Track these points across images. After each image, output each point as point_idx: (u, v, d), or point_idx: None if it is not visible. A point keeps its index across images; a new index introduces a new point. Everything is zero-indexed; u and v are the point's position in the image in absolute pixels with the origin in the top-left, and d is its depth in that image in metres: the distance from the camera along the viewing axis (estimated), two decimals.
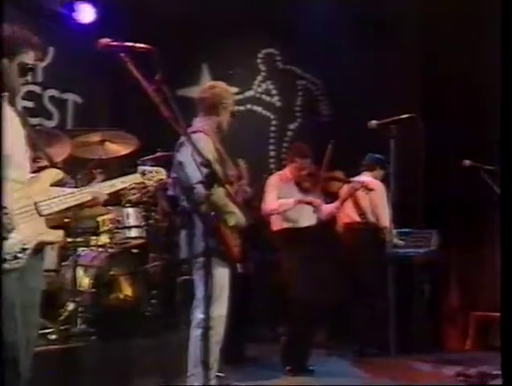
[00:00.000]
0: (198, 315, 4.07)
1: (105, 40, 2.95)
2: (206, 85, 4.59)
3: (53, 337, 4.76)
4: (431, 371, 5.62)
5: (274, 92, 7.91)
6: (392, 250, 5.00)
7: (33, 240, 3.04)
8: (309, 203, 5.62)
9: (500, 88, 3.50)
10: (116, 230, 5.43)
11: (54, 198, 3.16)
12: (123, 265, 5.28)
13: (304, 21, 7.16)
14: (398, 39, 7.20)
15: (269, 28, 7.39)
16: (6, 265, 2.92)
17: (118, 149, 5.48)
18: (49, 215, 3.12)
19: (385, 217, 5.96)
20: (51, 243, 3.30)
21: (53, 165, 3.35)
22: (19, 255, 2.97)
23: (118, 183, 3.44)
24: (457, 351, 6.67)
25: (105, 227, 5.44)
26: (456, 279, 7.25)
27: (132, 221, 5.44)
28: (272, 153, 7.82)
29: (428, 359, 5.88)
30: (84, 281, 5.12)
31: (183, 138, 4.11)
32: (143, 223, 5.50)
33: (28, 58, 3.11)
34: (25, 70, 3.12)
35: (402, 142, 4.19)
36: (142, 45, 2.94)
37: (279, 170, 6.16)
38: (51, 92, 6.91)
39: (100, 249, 5.36)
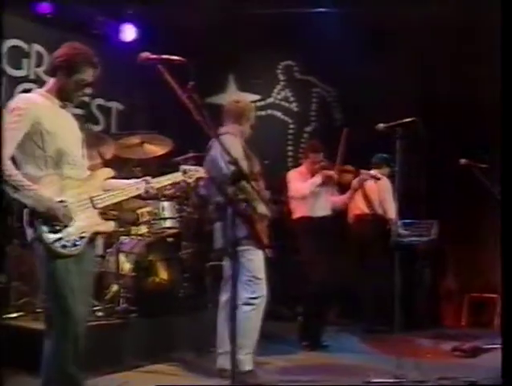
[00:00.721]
0: (245, 295, 4.11)
1: (144, 54, 2.96)
2: (232, 99, 4.66)
3: (100, 314, 4.80)
4: (431, 346, 5.57)
5: (291, 99, 7.87)
6: (397, 239, 4.96)
7: (89, 230, 3.06)
8: (330, 177, 5.51)
9: (499, 91, 3.45)
10: (153, 221, 5.43)
11: (107, 193, 3.19)
12: (159, 252, 5.29)
13: (318, 36, 7.12)
14: (402, 49, 7.13)
15: (287, 43, 7.35)
16: (66, 251, 2.96)
17: (156, 150, 5.47)
18: (103, 208, 3.15)
19: (391, 210, 5.93)
20: (105, 233, 3.34)
21: (105, 163, 3.38)
22: (77, 243, 3.00)
23: (164, 180, 3.47)
24: (453, 327, 6.61)
25: (144, 219, 5.45)
26: (453, 264, 7.19)
27: (167, 213, 5.43)
28: (290, 154, 7.77)
29: (428, 335, 5.82)
30: (126, 265, 5.15)
31: (212, 141, 4.11)
32: (177, 215, 5.49)
33: (86, 75, 3.11)
34: (82, 86, 3.13)
35: (406, 143, 4.16)
36: (177, 57, 2.94)
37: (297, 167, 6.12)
38: (99, 100, 6.96)
39: (139, 238, 5.37)
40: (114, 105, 7.13)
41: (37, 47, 6.47)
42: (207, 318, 5.19)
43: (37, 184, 2.94)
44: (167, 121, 6.84)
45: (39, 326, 4.41)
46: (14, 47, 6.25)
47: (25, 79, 6.35)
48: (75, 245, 2.99)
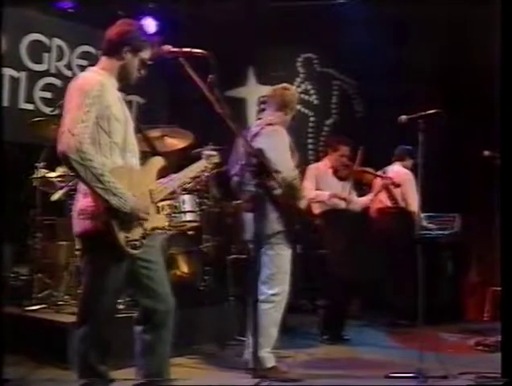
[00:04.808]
0: (266, 291, 4.06)
1: (167, 47, 2.96)
2: (279, 86, 4.45)
3: (121, 307, 4.81)
4: (454, 340, 5.52)
5: (312, 91, 7.84)
6: (422, 232, 4.94)
7: (149, 226, 2.94)
8: (342, 199, 5.47)
9: None
10: (173, 214, 5.42)
11: (161, 184, 3.10)
12: (180, 245, 5.31)
13: (338, 28, 7.09)
14: (424, 40, 7.06)
15: (307, 35, 7.32)
16: (135, 251, 2.86)
17: (176, 143, 5.46)
18: (159, 201, 3.05)
19: (414, 202, 5.89)
20: (160, 229, 3.10)
21: (156, 152, 3.31)
22: (143, 241, 2.90)
23: (196, 168, 3.42)
24: (476, 321, 6.53)
25: (164, 212, 5.44)
26: (475, 258, 7.12)
27: (187, 207, 5.41)
28: (310, 146, 7.76)
29: (451, 329, 5.76)
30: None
31: (257, 128, 4.07)
32: (197, 209, 5.49)
33: (147, 54, 3.05)
34: (143, 65, 3.06)
35: (429, 135, 4.12)
36: (199, 50, 2.93)
37: (317, 161, 6.10)
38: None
39: (160, 231, 5.38)
40: (134, 99, 7.15)
41: (58, 42, 6.53)
42: (228, 311, 5.22)
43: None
44: (186, 114, 6.86)
45: (61, 318, 4.50)
46: (35, 41, 6.31)
47: (46, 73, 6.41)
48: (142, 244, 2.88)
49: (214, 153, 3.59)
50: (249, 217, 4.19)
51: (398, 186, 5.68)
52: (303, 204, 4.20)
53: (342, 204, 5.55)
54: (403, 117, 4.28)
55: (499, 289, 6.68)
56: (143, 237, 2.89)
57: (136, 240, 2.85)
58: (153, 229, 2.98)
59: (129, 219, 2.81)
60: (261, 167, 2.84)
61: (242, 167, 4.12)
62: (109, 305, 3.00)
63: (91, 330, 2.96)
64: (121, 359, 4.15)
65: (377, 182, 5.88)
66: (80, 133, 2.74)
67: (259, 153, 2.91)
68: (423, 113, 4.18)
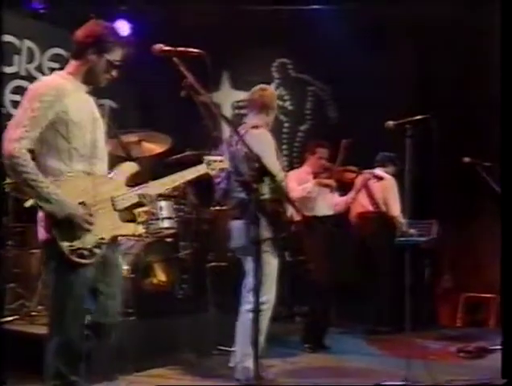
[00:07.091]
0: (253, 299, 3.92)
1: (158, 46, 2.84)
2: (257, 88, 4.37)
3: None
4: (436, 347, 5.46)
5: (286, 97, 7.78)
6: (405, 238, 4.90)
7: (108, 235, 2.83)
8: (326, 185, 5.38)
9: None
10: (151, 221, 5.29)
11: (127, 192, 2.96)
12: (157, 253, 5.18)
13: (313, 33, 7.06)
14: (399, 45, 7.09)
15: (282, 40, 7.28)
16: (83, 260, 2.75)
17: (154, 148, 5.33)
18: (123, 209, 2.92)
19: (395, 208, 5.91)
20: (126, 236, 3.04)
21: (131, 157, 3.20)
22: (95, 250, 2.78)
23: (188, 174, 3.26)
24: (448, 327, 6.54)
25: (141, 219, 5.27)
26: (449, 264, 7.15)
27: (165, 213, 5.29)
28: (284, 152, 7.67)
29: (427, 336, 5.70)
30: (123, 267, 5.02)
31: (242, 133, 3.96)
32: (175, 215, 5.37)
33: (117, 55, 2.93)
34: (111, 67, 2.94)
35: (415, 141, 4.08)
36: (194, 50, 2.83)
37: (291, 167, 6.03)
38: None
39: (136, 238, 5.23)
40: (107, 103, 6.98)
41: (28, 43, 6.35)
42: (207, 320, 5.10)
43: (59, 180, 2.74)
44: (161, 118, 6.74)
45: (35, 330, 4.33)
46: (5, 42, 6.12)
47: (16, 75, 6.23)
48: (92, 253, 2.77)
49: (219, 158, 3.45)
50: (235, 224, 4.10)
51: (380, 178, 5.60)
52: (289, 211, 4.08)
53: (322, 211, 5.48)
54: (391, 123, 4.18)
55: (472, 294, 6.79)
56: (97, 246, 2.78)
57: (84, 249, 2.74)
58: (114, 238, 2.89)
59: (71, 227, 2.71)
60: (261, 171, 2.72)
61: (229, 174, 4.04)
62: (77, 314, 2.85)
63: (61, 340, 2.84)
64: (100, 370, 4.06)
65: (358, 180, 5.72)
66: (18, 137, 2.68)
67: (259, 158, 2.78)
68: (411, 119, 4.10)
